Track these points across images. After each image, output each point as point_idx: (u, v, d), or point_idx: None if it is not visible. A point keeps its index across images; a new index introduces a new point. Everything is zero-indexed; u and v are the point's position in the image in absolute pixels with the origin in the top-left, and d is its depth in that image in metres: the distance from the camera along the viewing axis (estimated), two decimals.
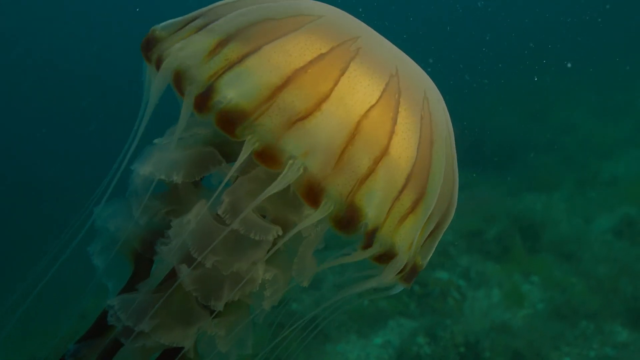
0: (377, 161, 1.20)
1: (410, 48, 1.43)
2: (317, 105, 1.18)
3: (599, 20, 15.14)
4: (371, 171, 1.20)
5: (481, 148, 9.56)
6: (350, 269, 1.38)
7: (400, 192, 1.24)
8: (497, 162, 9.27)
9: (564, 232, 6.97)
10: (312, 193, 1.18)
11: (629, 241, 6.60)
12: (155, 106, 1.30)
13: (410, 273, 1.36)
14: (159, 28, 1.37)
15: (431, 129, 1.31)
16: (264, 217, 1.27)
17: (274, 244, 1.29)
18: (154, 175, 1.25)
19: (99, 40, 14.67)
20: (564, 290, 5.86)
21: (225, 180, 1.20)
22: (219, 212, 1.19)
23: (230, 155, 1.33)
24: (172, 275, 1.27)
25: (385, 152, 1.21)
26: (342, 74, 1.22)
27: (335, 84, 1.20)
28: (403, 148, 1.23)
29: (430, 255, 1.42)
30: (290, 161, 1.17)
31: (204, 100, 1.20)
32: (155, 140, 1.28)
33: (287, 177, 1.16)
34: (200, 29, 1.30)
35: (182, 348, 1.28)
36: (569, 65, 12.09)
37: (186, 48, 1.27)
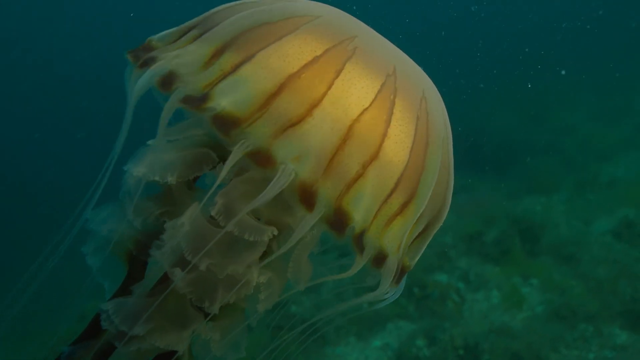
0: (366, 165, 1.20)
1: (405, 51, 1.42)
2: (309, 111, 1.18)
3: (588, 27, 15.18)
4: (360, 175, 1.20)
5: (480, 150, 9.57)
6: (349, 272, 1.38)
7: (389, 195, 1.24)
8: (496, 164, 9.28)
9: (563, 234, 6.97)
10: (306, 196, 1.19)
11: (628, 243, 6.59)
12: (150, 108, 1.30)
13: (399, 274, 1.35)
14: (155, 38, 1.37)
15: (427, 130, 1.29)
16: (258, 219, 1.27)
17: (269, 247, 1.29)
18: (147, 176, 1.24)
19: (93, 43, 14.69)
20: (563, 293, 5.86)
21: (218, 182, 1.20)
22: (213, 214, 1.19)
23: (224, 157, 1.31)
24: (166, 277, 1.27)
25: (375, 156, 1.21)
26: (337, 76, 1.21)
27: (329, 88, 1.20)
28: (395, 151, 1.23)
29: (419, 255, 1.42)
30: (282, 166, 1.18)
31: (197, 103, 1.21)
32: (149, 142, 1.27)
33: (279, 181, 1.17)
34: (196, 38, 1.30)
35: (176, 352, 1.27)
36: (563, 72, 12.13)
37: (182, 56, 1.27)
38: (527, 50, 13.20)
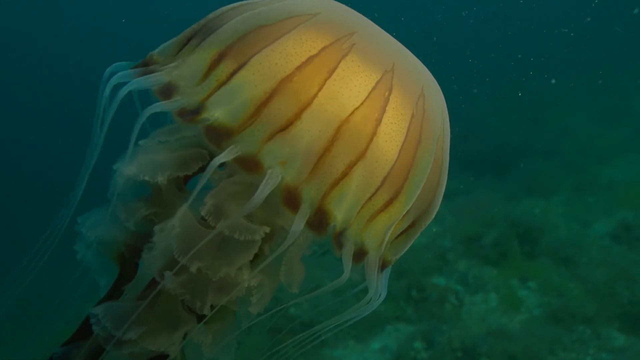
0: (352, 165, 1.19)
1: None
2: (298, 115, 1.17)
3: (572, 34, 15.21)
4: (345, 175, 1.19)
5: (479, 153, 9.57)
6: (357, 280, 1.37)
7: (374, 193, 1.22)
8: (495, 166, 9.27)
9: (561, 236, 6.97)
10: (290, 199, 1.19)
11: (626, 245, 6.59)
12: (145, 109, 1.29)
13: (379, 269, 1.33)
14: (156, 52, 1.35)
15: (421, 128, 1.27)
16: (250, 220, 1.25)
17: (261, 250, 1.28)
18: (137, 176, 1.23)
19: (85, 48, 14.71)
20: (561, 295, 5.86)
21: (202, 181, 1.18)
22: (202, 213, 1.18)
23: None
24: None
25: (362, 155, 1.19)
26: (329, 76, 1.19)
27: (320, 89, 1.18)
28: (383, 150, 1.21)
29: (403, 252, 1.39)
30: (270, 170, 1.17)
31: (190, 116, 1.21)
32: (140, 142, 1.26)
33: (266, 186, 1.16)
34: (195, 47, 1.29)
35: (168, 355, 1.27)
36: (553, 81, 12.15)
37: (180, 68, 1.26)
38: (519, 56, 13.23)
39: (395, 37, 1.40)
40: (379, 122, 1.21)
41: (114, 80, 1.27)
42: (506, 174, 9.17)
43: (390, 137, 1.22)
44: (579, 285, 5.95)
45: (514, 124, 11.38)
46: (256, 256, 1.26)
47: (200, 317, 1.30)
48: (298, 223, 1.18)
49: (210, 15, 1.36)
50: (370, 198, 1.23)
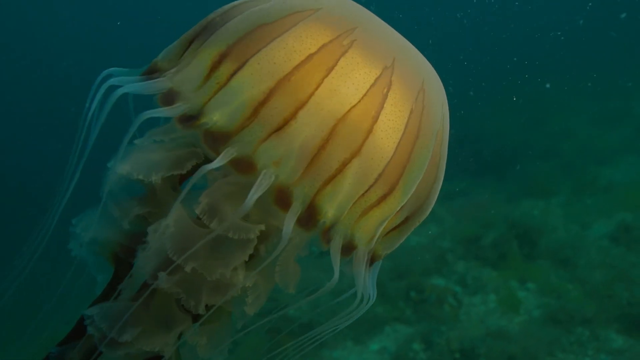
0: (346, 163, 1.17)
1: None
2: (294, 114, 1.16)
3: (562, 38, 15.24)
4: (338, 172, 1.17)
5: (479, 154, 9.58)
6: (347, 274, 1.35)
7: (368, 190, 1.21)
8: (494, 168, 9.28)
9: (560, 238, 6.98)
10: (282, 198, 1.18)
11: (625, 247, 6.60)
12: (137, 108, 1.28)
13: (368, 263, 1.32)
14: (159, 59, 1.33)
15: (420, 123, 1.25)
16: (245, 221, 1.23)
17: (257, 250, 1.26)
18: (131, 175, 1.21)
19: (83, 49, 14.71)
20: (559, 297, 5.86)
21: (194, 180, 1.17)
22: (196, 212, 1.17)
23: (210, 160, 1.28)
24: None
25: (357, 153, 1.18)
26: (328, 74, 1.17)
27: (317, 87, 1.17)
28: (379, 148, 1.19)
29: (395, 247, 1.37)
30: (264, 170, 1.16)
31: (191, 121, 1.20)
32: (136, 141, 1.25)
33: (260, 186, 1.15)
34: (196, 50, 1.27)
35: (163, 356, 1.26)
36: (547, 86, 12.17)
37: (182, 72, 1.25)
38: (515, 59, 13.23)
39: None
40: (375, 119, 1.19)
41: (120, 90, 1.26)
42: (505, 175, 9.18)
43: (387, 134, 1.20)
44: (578, 286, 5.95)
45: (513, 125, 11.38)
46: (252, 257, 1.24)
47: (195, 317, 1.29)
48: (289, 222, 1.17)
49: (211, 15, 1.34)
50: (363, 194, 1.21)
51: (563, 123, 11.27)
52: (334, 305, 1.40)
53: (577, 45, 15.90)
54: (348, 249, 1.26)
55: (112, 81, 1.28)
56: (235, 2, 1.35)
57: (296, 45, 1.19)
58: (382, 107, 1.20)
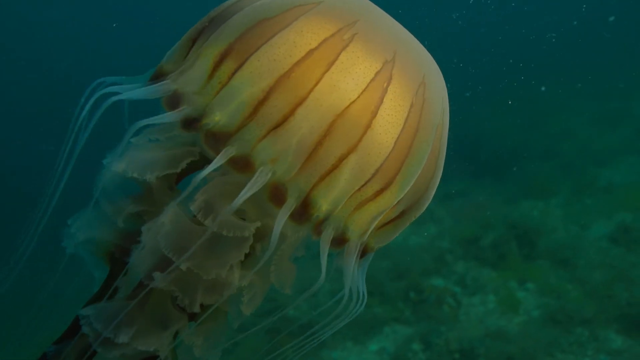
0: (343, 158, 1.16)
1: None
2: (293, 111, 1.15)
3: (553, 40, 15.27)
4: (335, 167, 1.16)
5: (478, 155, 9.58)
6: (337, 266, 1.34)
7: (364, 184, 1.20)
8: (494, 168, 9.29)
9: (560, 238, 6.98)
10: (277, 194, 1.17)
11: (624, 247, 6.60)
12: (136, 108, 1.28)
13: (359, 255, 1.31)
14: (164, 62, 1.32)
15: (420, 118, 1.23)
16: (243, 219, 1.23)
17: (253, 250, 1.26)
18: (126, 173, 1.20)
19: (79, 51, 14.71)
20: (559, 297, 5.86)
21: (193, 185, 1.17)
22: (192, 208, 1.16)
23: (205, 159, 1.28)
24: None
25: (355, 148, 1.16)
26: (328, 69, 1.16)
27: (317, 83, 1.15)
28: (377, 142, 1.18)
29: (389, 240, 1.36)
30: (261, 167, 1.16)
31: (194, 123, 1.19)
32: (132, 139, 1.24)
33: (256, 183, 1.15)
34: (199, 49, 1.25)
35: (158, 356, 1.25)
36: (543, 89, 12.17)
37: (185, 74, 1.24)
38: (511, 61, 13.25)
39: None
40: (375, 114, 1.17)
41: (124, 96, 1.25)
42: (505, 175, 9.18)
43: (386, 128, 1.18)
44: (577, 287, 5.95)
45: (512, 126, 11.38)
46: (248, 256, 1.24)
47: (191, 317, 1.28)
48: (281, 217, 1.16)
49: (213, 12, 1.32)
50: (360, 189, 1.20)
51: (562, 124, 11.27)
52: (332, 305, 1.38)
53: (574, 46, 15.92)
54: (340, 241, 1.25)
55: (116, 88, 1.27)
56: None
57: (297, 40, 1.17)
58: (381, 101, 1.18)
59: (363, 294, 1.33)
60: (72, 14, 15.73)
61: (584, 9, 16.04)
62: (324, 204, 1.19)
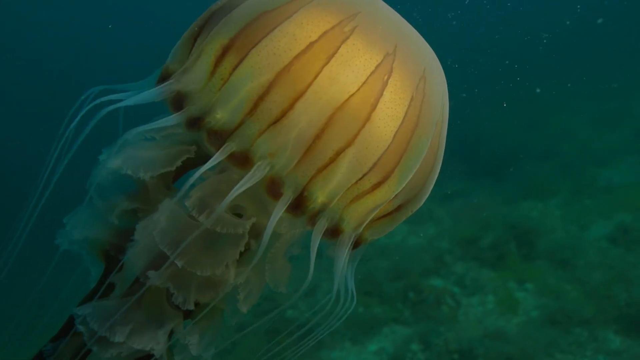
0: (341, 151, 1.16)
1: None
2: (292, 105, 1.14)
3: (545, 41, 15.28)
4: (333, 161, 1.16)
5: (477, 155, 9.58)
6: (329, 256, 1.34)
7: (362, 177, 1.19)
8: (493, 169, 9.28)
9: (559, 239, 6.97)
10: (274, 187, 1.17)
11: (624, 248, 6.59)
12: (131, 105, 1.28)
13: (351, 246, 1.30)
14: (169, 62, 1.31)
15: (420, 112, 1.22)
16: (240, 216, 1.23)
17: (249, 247, 1.25)
18: (121, 169, 1.19)
19: (79, 51, 14.71)
20: (558, 297, 5.86)
21: (193, 179, 1.16)
22: (187, 205, 1.15)
23: (203, 156, 1.27)
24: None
25: (353, 142, 1.15)
26: (328, 61, 1.15)
27: (316, 77, 1.14)
28: (376, 136, 1.17)
29: (384, 234, 1.35)
30: (259, 162, 1.15)
31: (198, 122, 1.19)
32: (128, 137, 1.23)
33: (254, 176, 1.14)
34: (201, 45, 1.24)
35: (154, 355, 1.24)
36: (538, 90, 12.18)
37: (188, 72, 1.23)
38: (507, 62, 13.26)
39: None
40: (374, 107, 1.16)
41: (131, 101, 1.25)
42: (504, 176, 9.18)
43: (385, 122, 1.17)
44: (577, 287, 5.95)
45: (511, 126, 11.38)
46: (244, 253, 1.23)
47: (187, 315, 1.28)
48: (277, 210, 1.15)
49: (214, 6, 1.31)
50: (357, 182, 1.19)
51: (562, 124, 11.27)
52: (327, 303, 1.38)
53: (574, 46, 15.92)
54: (335, 232, 1.24)
55: (120, 96, 1.27)
56: None
57: (297, 32, 1.16)
58: (381, 94, 1.17)
59: (352, 289, 1.32)
60: (71, 14, 15.74)
61: (578, 9, 16.07)
62: (320, 196, 1.18)
